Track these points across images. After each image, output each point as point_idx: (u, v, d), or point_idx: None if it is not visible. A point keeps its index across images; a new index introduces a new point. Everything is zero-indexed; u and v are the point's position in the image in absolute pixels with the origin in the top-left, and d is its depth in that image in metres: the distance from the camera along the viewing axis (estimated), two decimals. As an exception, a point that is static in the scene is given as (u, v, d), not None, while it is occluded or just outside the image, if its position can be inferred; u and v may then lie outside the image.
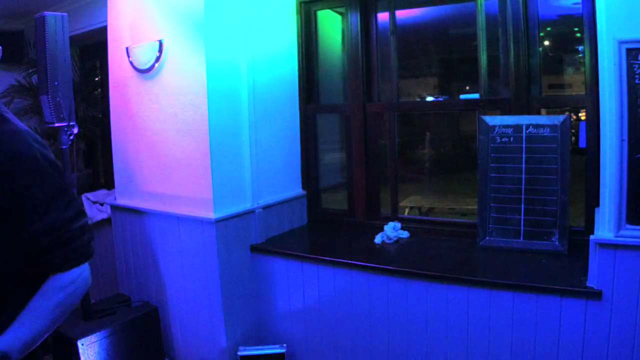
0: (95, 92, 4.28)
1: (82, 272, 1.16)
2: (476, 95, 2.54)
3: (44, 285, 1.12)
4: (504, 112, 2.42)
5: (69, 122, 2.44)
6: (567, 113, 2.29)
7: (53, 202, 1.12)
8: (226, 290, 2.45)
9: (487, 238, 2.36)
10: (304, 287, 2.48)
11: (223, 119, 2.46)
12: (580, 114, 2.97)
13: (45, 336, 1.14)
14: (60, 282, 1.13)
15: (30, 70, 3.88)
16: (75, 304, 1.19)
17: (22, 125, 1.16)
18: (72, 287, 1.14)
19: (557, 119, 2.23)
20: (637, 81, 1.70)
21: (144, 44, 2.52)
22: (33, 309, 1.10)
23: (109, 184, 3.63)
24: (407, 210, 4.27)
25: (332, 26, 3.13)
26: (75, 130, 2.47)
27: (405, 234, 2.63)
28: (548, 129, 2.23)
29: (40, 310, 1.11)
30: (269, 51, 2.74)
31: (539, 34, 2.36)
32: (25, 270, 1.14)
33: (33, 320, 1.10)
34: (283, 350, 2.46)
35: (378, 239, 2.58)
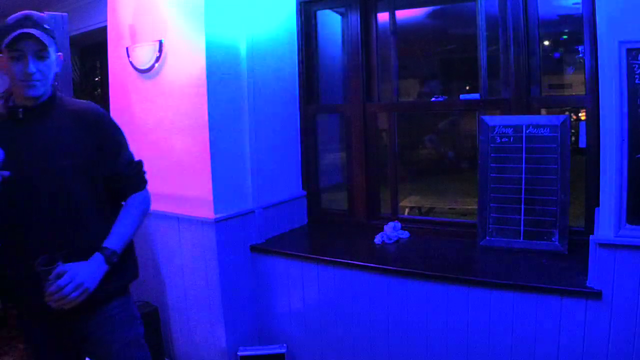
0: (95, 92, 4.28)
1: (147, 192, 1.69)
2: (476, 95, 2.54)
3: (129, 202, 1.62)
4: (504, 112, 2.42)
5: (69, 122, 2.44)
6: (567, 113, 2.30)
7: (124, 145, 1.63)
8: (226, 291, 2.45)
9: (487, 238, 2.36)
10: (304, 287, 2.48)
11: (223, 119, 2.46)
12: (580, 114, 2.97)
13: (132, 238, 1.58)
14: (140, 198, 1.65)
15: (30, 70, 3.88)
16: (146, 215, 1.67)
17: None
18: (146, 201, 1.68)
19: (557, 119, 2.23)
20: (637, 81, 1.70)
21: (144, 44, 2.52)
22: (125, 218, 1.58)
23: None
24: (407, 210, 4.27)
25: (332, 26, 3.13)
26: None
27: (405, 234, 2.63)
28: (548, 129, 2.23)
29: (131, 218, 1.59)
30: (270, 51, 2.74)
31: (539, 34, 2.36)
32: (106, 193, 1.58)
33: (126, 226, 1.56)
34: (283, 351, 2.46)
35: (378, 239, 2.58)
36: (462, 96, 2.75)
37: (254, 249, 2.60)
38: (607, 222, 1.76)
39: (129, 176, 1.62)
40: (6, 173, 1.33)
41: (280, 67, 2.84)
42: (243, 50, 2.56)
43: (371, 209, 2.89)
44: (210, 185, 2.39)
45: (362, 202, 2.89)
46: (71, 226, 1.48)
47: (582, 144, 2.28)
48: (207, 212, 2.40)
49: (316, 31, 3.00)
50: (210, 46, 2.35)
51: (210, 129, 2.37)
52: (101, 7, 2.84)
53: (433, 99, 2.83)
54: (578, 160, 2.40)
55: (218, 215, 2.40)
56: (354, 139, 2.88)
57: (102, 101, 4.14)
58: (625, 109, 1.71)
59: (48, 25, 1.49)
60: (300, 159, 3.02)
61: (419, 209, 4.42)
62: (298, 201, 2.98)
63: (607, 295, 1.77)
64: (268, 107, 2.73)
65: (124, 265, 1.58)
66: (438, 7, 3.45)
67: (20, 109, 1.46)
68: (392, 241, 2.57)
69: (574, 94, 3.22)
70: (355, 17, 2.80)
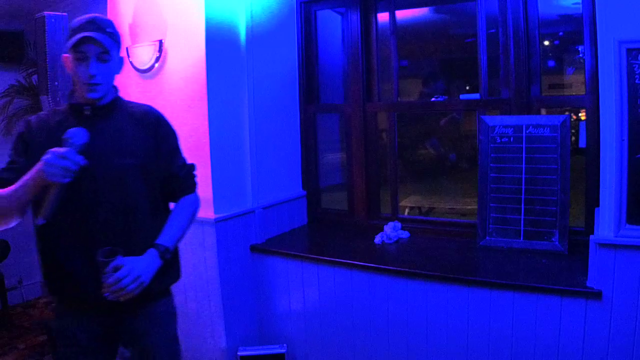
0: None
1: (197, 195, 1.76)
2: (476, 95, 2.54)
3: (180, 203, 1.69)
4: (504, 112, 2.42)
5: (69, 122, 2.44)
6: (567, 113, 2.30)
7: (179, 147, 1.71)
8: (226, 290, 2.45)
9: (487, 238, 2.36)
10: (304, 287, 2.48)
11: (223, 119, 2.46)
12: (580, 114, 2.97)
13: (182, 238, 1.65)
14: (191, 199, 1.72)
15: (30, 70, 3.88)
16: (195, 217, 1.73)
17: None
18: (196, 203, 1.75)
19: (557, 119, 2.23)
20: (637, 81, 1.70)
21: (144, 44, 2.52)
22: (177, 218, 1.65)
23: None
24: (407, 210, 4.26)
25: (332, 26, 3.13)
26: (75, 130, 2.47)
27: (405, 234, 2.63)
28: (548, 129, 2.23)
29: (183, 219, 1.66)
30: (270, 52, 2.74)
31: (539, 34, 2.36)
32: (161, 193, 1.65)
33: (178, 225, 1.64)
34: (283, 351, 2.46)
35: (378, 239, 2.58)
36: (462, 96, 2.75)
37: (254, 249, 2.60)
38: (607, 222, 1.76)
39: (182, 178, 1.69)
40: (84, 162, 1.38)
41: (280, 67, 2.85)
42: (243, 51, 2.56)
43: (371, 209, 2.89)
44: (210, 185, 2.39)
45: (362, 202, 2.89)
46: (128, 223, 1.54)
47: (582, 144, 2.28)
48: (207, 212, 2.40)
49: (316, 31, 3.00)
50: (210, 46, 2.35)
51: (210, 129, 2.37)
52: (101, 7, 2.84)
53: (433, 99, 2.83)
54: (578, 160, 2.39)
55: (218, 215, 2.40)
56: (354, 139, 2.88)
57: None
58: (625, 109, 1.71)
59: (111, 29, 1.55)
60: (300, 159, 3.02)
61: (419, 209, 4.42)
62: (298, 201, 2.98)
63: (607, 295, 1.77)
64: (268, 107, 2.73)
65: (174, 264, 1.67)
66: (438, 7, 3.44)
67: (87, 107, 1.53)
68: (392, 241, 2.57)
69: (574, 94, 3.22)
70: (355, 17, 2.81)
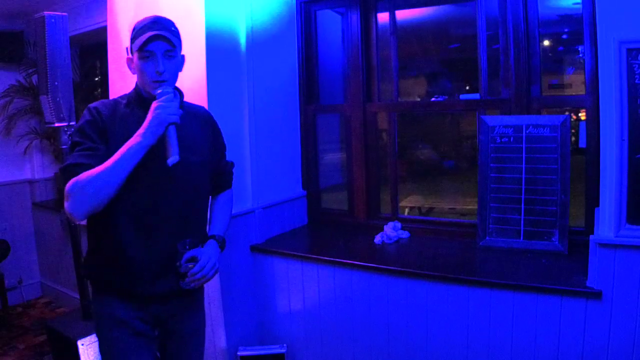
0: (95, 92, 4.28)
1: (232, 189, 1.92)
2: (476, 95, 2.54)
3: (223, 197, 1.86)
4: (504, 112, 2.42)
5: (69, 122, 2.45)
6: (567, 113, 2.30)
7: (225, 147, 1.87)
8: (226, 290, 2.45)
9: (487, 238, 2.36)
10: (304, 287, 2.48)
11: (223, 119, 2.44)
12: (580, 114, 2.97)
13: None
14: (231, 194, 1.90)
15: (30, 70, 3.88)
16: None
17: None
18: (233, 198, 1.91)
19: (557, 119, 2.23)
20: (637, 81, 1.70)
21: (144, 44, 2.52)
22: (224, 210, 1.82)
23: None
24: (407, 210, 4.27)
25: (332, 26, 3.13)
26: (76, 130, 2.47)
27: (405, 234, 2.63)
28: (548, 129, 2.23)
29: (228, 211, 1.84)
30: (270, 52, 2.74)
31: (539, 33, 2.36)
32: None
33: (225, 216, 1.81)
34: (283, 351, 2.46)
35: (378, 239, 2.58)
36: (462, 96, 2.75)
37: (254, 248, 2.60)
38: (607, 222, 1.76)
39: (227, 173, 1.87)
40: (177, 159, 1.46)
41: (280, 67, 2.85)
42: (243, 50, 2.56)
43: (371, 209, 2.89)
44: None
45: (362, 202, 2.89)
46: (192, 216, 1.64)
47: (582, 144, 2.28)
48: (207, 212, 2.40)
49: (316, 31, 3.00)
50: (210, 45, 2.35)
51: (210, 129, 2.37)
52: (101, 7, 2.85)
53: (433, 99, 2.83)
54: (578, 160, 2.39)
55: (218, 215, 2.40)
56: (354, 139, 2.88)
57: (102, 101, 4.13)
58: (626, 109, 1.71)
59: (174, 28, 1.62)
60: (300, 159, 3.02)
61: (419, 209, 4.42)
62: (298, 201, 2.98)
63: (607, 295, 1.77)
64: (268, 107, 2.73)
65: None
66: (438, 7, 3.44)
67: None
68: (392, 241, 2.57)
69: (574, 94, 3.22)
70: (355, 17, 2.81)
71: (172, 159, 1.45)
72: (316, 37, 3.00)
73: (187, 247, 1.54)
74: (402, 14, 2.88)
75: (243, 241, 2.58)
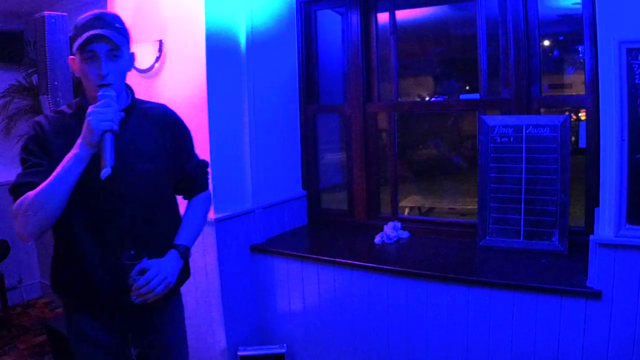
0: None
1: (209, 191, 1.77)
2: (476, 95, 2.54)
3: (195, 201, 1.71)
4: (504, 112, 2.42)
5: (69, 122, 2.44)
6: (567, 113, 2.30)
7: (193, 147, 1.72)
8: (226, 290, 2.45)
9: (487, 238, 2.36)
10: (304, 287, 2.48)
11: (223, 119, 2.46)
12: (580, 114, 2.97)
13: (199, 236, 1.67)
14: (205, 197, 1.74)
15: (30, 70, 3.88)
16: (208, 213, 1.76)
17: None
18: (209, 200, 1.78)
19: (557, 119, 2.23)
20: (637, 81, 1.70)
21: (144, 44, 2.52)
22: (194, 216, 1.68)
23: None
24: (407, 210, 4.27)
25: (332, 26, 3.13)
26: (75, 130, 2.47)
27: (405, 234, 2.63)
28: (548, 129, 2.23)
29: (199, 216, 1.69)
30: (270, 52, 2.74)
31: (539, 34, 2.36)
32: (175, 192, 1.67)
33: (195, 224, 1.67)
34: (283, 351, 2.46)
35: (378, 239, 2.58)
36: (462, 96, 2.75)
37: (254, 249, 2.60)
38: (607, 222, 1.76)
39: (197, 177, 1.70)
40: (108, 171, 1.32)
41: (280, 67, 2.85)
42: (243, 50, 2.56)
43: (371, 209, 2.89)
44: (210, 185, 2.37)
45: (362, 202, 2.89)
46: (151, 225, 1.54)
47: (582, 144, 2.28)
48: (207, 212, 2.40)
49: (316, 31, 3.00)
50: (210, 45, 2.35)
51: (210, 129, 2.37)
52: (101, 7, 2.84)
53: (433, 98, 2.83)
54: (578, 160, 2.39)
55: (218, 215, 2.40)
56: (354, 139, 2.88)
57: (102, 101, 4.13)
58: (626, 109, 1.71)
59: (120, 24, 1.47)
60: (300, 159, 3.02)
61: (419, 209, 4.42)
62: (298, 201, 2.98)
63: (607, 295, 1.77)
64: (268, 107, 2.73)
65: (186, 263, 1.66)
66: (438, 7, 3.44)
67: None
68: (392, 241, 2.57)
69: (574, 94, 3.22)
70: (355, 17, 2.81)
71: (103, 171, 1.31)
72: (316, 37, 3.00)
73: (132, 258, 1.41)
74: (402, 14, 2.88)
75: (243, 241, 2.58)
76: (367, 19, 2.81)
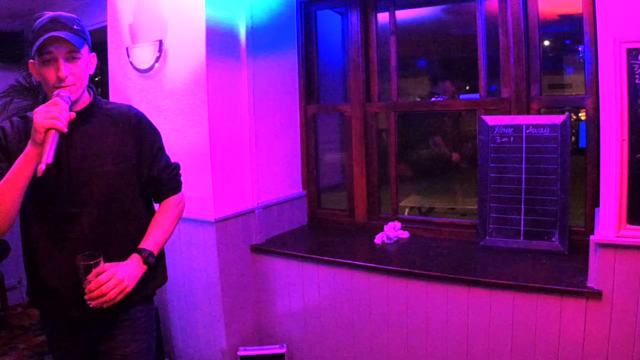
0: (95, 92, 4.27)
1: (182, 195, 1.71)
2: (476, 95, 2.54)
3: (165, 205, 1.64)
4: (504, 112, 2.42)
5: (68, 122, 2.43)
6: (567, 113, 2.29)
7: (162, 150, 1.64)
8: (226, 290, 2.45)
9: (487, 238, 2.36)
10: (304, 287, 2.48)
11: (223, 119, 2.46)
12: (580, 114, 2.97)
13: (167, 241, 1.62)
14: (175, 201, 1.66)
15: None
16: (181, 217, 1.69)
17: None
18: (181, 204, 1.69)
19: (557, 119, 2.23)
20: (637, 81, 1.70)
21: (144, 44, 2.52)
22: (161, 221, 1.61)
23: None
24: (407, 210, 4.26)
25: (332, 26, 3.13)
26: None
27: (405, 234, 2.63)
28: (548, 129, 2.23)
29: (167, 221, 1.62)
30: (270, 51, 2.74)
31: (539, 34, 2.36)
32: (142, 195, 1.60)
33: (162, 228, 1.59)
34: (283, 351, 2.46)
35: (378, 239, 2.58)
36: (462, 96, 2.75)
37: (254, 249, 2.60)
38: (607, 222, 1.76)
39: (166, 180, 1.63)
40: (42, 167, 1.27)
41: (280, 66, 2.85)
42: (243, 51, 2.56)
43: (371, 209, 2.89)
44: (210, 185, 2.39)
45: (362, 202, 2.89)
46: (112, 228, 1.50)
47: (582, 144, 2.28)
48: (207, 212, 2.40)
49: (316, 31, 3.00)
50: (210, 45, 2.35)
51: (211, 129, 2.37)
52: (101, 7, 2.84)
53: (433, 98, 2.83)
54: (578, 160, 2.39)
55: (218, 215, 2.40)
56: (354, 139, 2.88)
57: (102, 101, 4.13)
58: (625, 109, 1.71)
59: (77, 26, 1.45)
60: (300, 158, 3.02)
61: (419, 209, 4.42)
62: (298, 201, 2.98)
63: (607, 295, 1.77)
64: (268, 107, 2.73)
65: (159, 268, 1.62)
66: (438, 7, 3.44)
67: None
68: (392, 241, 2.56)
69: (574, 94, 3.22)
70: (355, 17, 2.80)
71: (39, 167, 1.26)
72: (316, 37, 3.00)
73: (87, 259, 1.37)
74: (402, 14, 2.88)
75: (243, 241, 2.58)
76: (367, 19, 2.81)
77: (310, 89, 3.01)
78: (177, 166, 1.69)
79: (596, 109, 1.96)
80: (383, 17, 2.81)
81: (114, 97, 2.78)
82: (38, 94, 3.85)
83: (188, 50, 2.39)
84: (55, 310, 1.52)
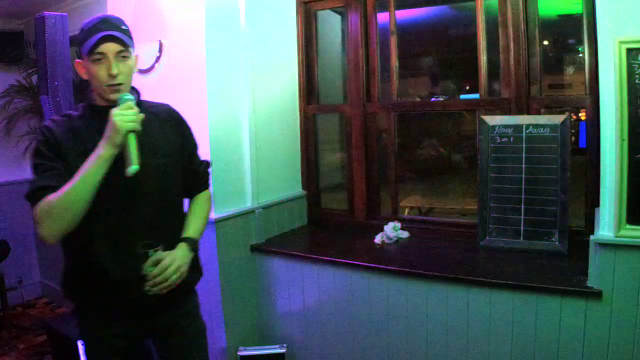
0: (95, 92, 4.27)
1: (210, 191, 1.84)
2: (476, 95, 2.54)
3: (198, 198, 1.76)
4: (504, 112, 2.42)
5: (69, 122, 2.44)
6: (567, 113, 2.30)
7: (197, 145, 1.78)
8: (226, 290, 2.45)
9: (487, 238, 2.36)
10: (303, 287, 2.48)
11: (223, 119, 2.46)
12: (580, 114, 2.97)
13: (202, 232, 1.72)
14: (208, 195, 1.80)
15: (30, 70, 3.88)
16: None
17: None
18: (210, 199, 1.83)
19: (557, 119, 2.22)
20: (637, 81, 1.70)
21: (144, 44, 2.52)
22: (199, 212, 1.73)
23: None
24: (407, 210, 4.26)
25: (332, 26, 3.13)
26: (75, 130, 2.47)
27: (405, 234, 2.63)
28: (548, 129, 2.23)
29: (204, 212, 1.75)
30: (270, 51, 2.74)
31: (539, 34, 2.35)
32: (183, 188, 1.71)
33: (201, 219, 1.72)
34: (283, 350, 2.46)
35: (378, 239, 2.58)
36: (462, 96, 2.75)
37: (254, 248, 2.60)
38: (607, 222, 1.76)
39: (201, 174, 1.77)
40: (135, 168, 1.41)
41: (280, 66, 2.85)
42: (243, 51, 2.56)
43: (371, 209, 2.89)
44: (210, 185, 2.38)
45: (362, 202, 2.89)
46: (164, 220, 1.60)
47: (582, 144, 2.28)
48: (207, 212, 2.40)
49: (316, 31, 3.00)
50: (210, 45, 2.35)
51: (210, 129, 2.37)
52: (101, 7, 2.84)
53: (433, 98, 2.83)
54: (578, 160, 2.39)
55: (218, 215, 2.40)
56: (354, 139, 2.88)
57: (102, 101, 4.13)
58: (625, 109, 1.71)
59: (125, 27, 1.53)
60: (300, 158, 3.02)
61: (419, 209, 4.42)
62: (298, 201, 2.98)
63: (607, 295, 1.77)
64: (268, 106, 2.73)
65: (197, 260, 1.72)
66: (438, 7, 3.45)
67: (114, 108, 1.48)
68: (392, 241, 2.57)
69: (574, 94, 3.22)
70: (355, 17, 2.81)
71: (130, 168, 1.39)
72: (316, 37, 3.00)
73: (146, 247, 1.46)
74: (402, 14, 2.88)
75: (243, 241, 2.58)
76: (367, 19, 2.81)
77: (310, 88, 3.01)
78: (208, 163, 1.82)
79: (596, 109, 1.96)
80: (383, 17, 2.81)
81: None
82: (38, 94, 3.85)
83: (188, 50, 2.39)
84: (107, 305, 1.56)
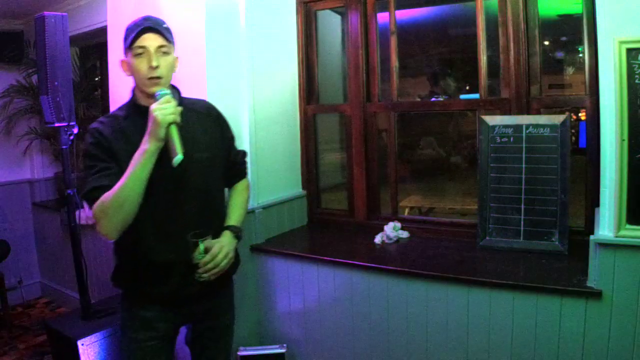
0: (95, 92, 4.28)
1: (248, 179, 1.95)
2: (476, 95, 2.54)
3: (238, 187, 1.87)
4: (504, 112, 2.42)
5: (69, 122, 2.45)
6: (567, 113, 2.30)
7: (234, 138, 1.86)
8: (226, 290, 2.45)
9: (487, 238, 2.36)
10: (304, 287, 2.48)
11: (223, 119, 2.46)
12: (580, 114, 2.97)
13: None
14: (246, 183, 1.92)
15: (30, 70, 3.88)
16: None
17: None
18: (249, 187, 1.94)
19: (557, 119, 2.23)
20: (637, 81, 1.70)
21: (144, 44, 2.52)
22: (239, 201, 1.83)
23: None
24: (407, 210, 4.26)
25: (332, 26, 3.13)
26: (75, 130, 2.48)
27: (405, 234, 2.63)
28: (548, 129, 2.23)
29: (244, 201, 1.85)
30: (270, 51, 2.74)
31: (539, 34, 2.35)
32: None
33: (242, 208, 1.82)
34: (283, 350, 2.46)
35: (378, 239, 2.58)
36: (462, 96, 2.75)
37: (253, 248, 2.60)
38: (607, 222, 1.76)
39: (240, 164, 1.88)
40: (180, 157, 1.46)
41: (280, 66, 2.85)
42: (243, 51, 2.56)
43: (371, 209, 2.89)
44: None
45: (362, 202, 2.89)
46: (209, 210, 1.69)
47: (582, 144, 2.28)
48: (207, 212, 2.40)
49: (316, 31, 3.00)
50: (210, 46, 2.35)
51: (210, 129, 2.37)
52: (101, 7, 2.85)
53: (433, 98, 2.83)
54: (578, 160, 2.39)
55: (218, 215, 2.40)
56: (354, 139, 2.88)
57: (102, 101, 4.14)
58: (625, 109, 1.71)
59: (167, 25, 1.61)
60: (300, 158, 3.02)
61: (419, 209, 4.42)
62: (298, 201, 2.98)
63: (607, 295, 1.77)
64: (268, 106, 2.73)
65: (236, 248, 1.77)
66: (438, 7, 3.45)
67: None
68: (392, 241, 2.57)
69: (574, 94, 3.22)
70: (355, 17, 2.81)
71: (176, 158, 1.45)
72: (316, 37, 3.00)
73: (196, 237, 1.54)
74: (402, 14, 2.88)
75: (243, 241, 2.57)
76: (367, 19, 2.81)
77: (310, 88, 3.02)
78: (245, 152, 1.92)
79: (596, 109, 1.96)
80: (383, 17, 2.81)
81: (115, 97, 2.77)
82: (38, 94, 3.85)
83: (187, 51, 2.39)
84: (162, 294, 1.63)
